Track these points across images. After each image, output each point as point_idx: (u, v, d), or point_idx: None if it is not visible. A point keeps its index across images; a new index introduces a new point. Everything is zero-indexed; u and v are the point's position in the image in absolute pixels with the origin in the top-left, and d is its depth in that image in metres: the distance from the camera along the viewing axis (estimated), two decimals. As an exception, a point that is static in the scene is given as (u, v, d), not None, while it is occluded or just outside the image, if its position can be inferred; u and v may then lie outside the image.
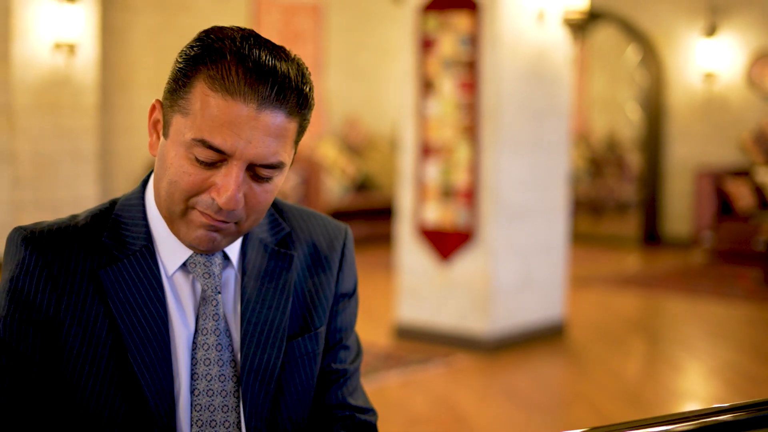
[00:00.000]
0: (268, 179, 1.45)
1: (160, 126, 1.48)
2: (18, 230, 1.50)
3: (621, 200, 14.31)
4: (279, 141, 1.42)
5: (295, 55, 1.45)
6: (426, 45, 6.36)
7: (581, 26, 6.57)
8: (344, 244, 1.70)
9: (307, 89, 1.44)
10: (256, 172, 1.43)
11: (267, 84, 1.39)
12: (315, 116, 12.02)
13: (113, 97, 9.88)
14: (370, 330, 6.79)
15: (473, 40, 6.17)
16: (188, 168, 1.41)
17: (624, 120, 15.30)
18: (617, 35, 12.92)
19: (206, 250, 1.48)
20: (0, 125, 8.56)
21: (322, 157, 11.12)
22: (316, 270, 1.64)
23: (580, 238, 11.69)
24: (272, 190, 1.46)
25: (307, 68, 1.45)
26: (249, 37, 1.42)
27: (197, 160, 1.41)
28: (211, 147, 1.39)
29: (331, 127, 12.19)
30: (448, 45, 6.26)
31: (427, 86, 6.37)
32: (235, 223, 1.46)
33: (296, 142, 1.48)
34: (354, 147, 11.98)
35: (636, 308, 8.15)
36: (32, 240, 1.49)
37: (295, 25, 11.84)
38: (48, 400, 1.48)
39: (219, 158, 1.40)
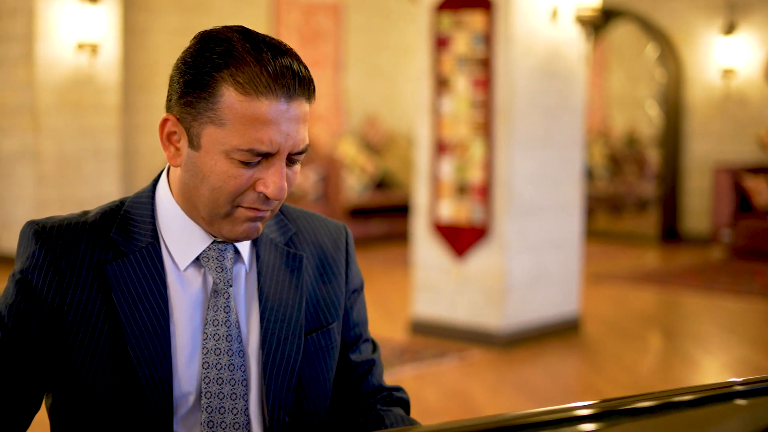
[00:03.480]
0: (297, 162, 1.55)
1: (178, 138, 1.54)
2: (30, 224, 1.58)
3: (640, 197, 14.31)
4: (305, 126, 1.52)
5: (287, 44, 1.54)
6: (440, 43, 6.43)
7: (595, 24, 6.62)
8: (347, 242, 1.78)
9: (309, 72, 1.53)
10: (290, 159, 1.53)
11: (288, 76, 1.47)
12: (334, 115, 12.11)
13: (135, 96, 10.00)
14: (386, 325, 6.87)
15: (487, 39, 6.23)
16: (233, 171, 1.49)
17: (643, 117, 15.28)
18: (636, 33, 12.93)
19: (249, 239, 1.57)
20: (24, 125, 8.70)
21: (341, 155, 11.20)
22: (324, 270, 1.72)
23: (598, 235, 11.72)
24: (299, 170, 1.56)
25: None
26: (248, 34, 1.51)
27: (242, 162, 1.48)
28: (258, 153, 1.48)
29: (351, 125, 12.27)
30: (463, 43, 6.33)
31: (441, 84, 6.45)
32: (271, 209, 1.56)
33: None
34: (373, 145, 12.05)
35: (652, 304, 8.19)
36: (43, 234, 1.56)
37: (314, 25, 11.92)
38: (40, 386, 1.56)
39: (262, 157, 1.49)
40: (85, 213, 1.63)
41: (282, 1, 11.51)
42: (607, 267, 9.68)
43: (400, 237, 10.57)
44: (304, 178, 10.60)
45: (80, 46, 8.57)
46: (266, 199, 1.52)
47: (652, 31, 11.54)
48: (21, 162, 8.75)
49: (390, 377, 5.57)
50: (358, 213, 11.03)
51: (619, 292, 8.48)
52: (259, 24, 10.80)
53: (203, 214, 1.55)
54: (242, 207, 1.52)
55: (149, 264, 1.58)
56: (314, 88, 1.54)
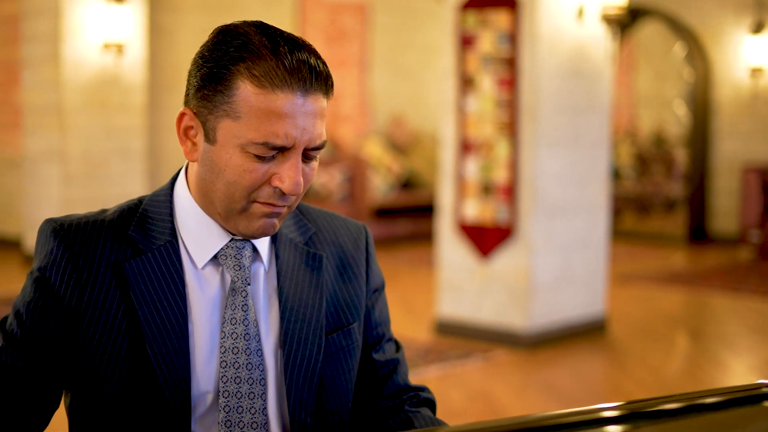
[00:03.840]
0: (314, 158, 1.53)
1: (195, 133, 1.54)
2: (49, 222, 1.58)
3: (668, 197, 14.21)
4: (322, 121, 1.50)
5: (304, 38, 1.52)
6: (466, 42, 6.40)
7: (621, 22, 6.57)
8: (367, 242, 1.77)
9: (327, 67, 1.52)
10: (306, 154, 1.51)
11: (305, 70, 1.46)
12: (360, 115, 12.11)
13: (161, 96, 10.03)
14: (411, 325, 6.85)
15: (512, 38, 6.20)
16: (249, 166, 1.47)
17: (671, 116, 15.19)
18: (664, 32, 12.85)
19: (266, 236, 1.56)
20: (51, 124, 8.74)
21: (367, 155, 11.19)
22: (344, 269, 1.71)
23: (625, 236, 11.65)
24: (316, 167, 1.55)
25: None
26: (266, 28, 1.50)
27: (257, 156, 1.47)
28: (273, 147, 1.46)
29: (377, 125, 12.26)
30: (488, 42, 6.30)
31: (466, 83, 6.42)
32: (288, 205, 1.54)
33: None
34: (399, 145, 12.04)
35: (679, 305, 8.12)
36: (61, 232, 1.56)
37: (340, 25, 11.92)
38: (59, 384, 1.55)
39: (278, 151, 1.48)
40: (104, 211, 1.63)
41: (308, 1, 11.51)
42: (634, 267, 9.61)
43: (426, 237, 10.55)
44: (330, 178, 10.60)
45: (106, 46, 8.60)
46: (282, 194, 1.50)
47: (680, 29, 11.46)
48: (47, 162, 8.80)
49: (414, 377, 5.54)
50: (384, 213, 11.02)
51: (646, 292, 8.42)
52: (284, 23, 10.81)
53: (219, 210, 1.54)
54: (258, 202, 1.51)
55: (167, 262, 1.57)
56: (332, 83, 1.53)
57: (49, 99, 8.71)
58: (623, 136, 14.91)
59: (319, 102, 1.50)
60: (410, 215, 11.24)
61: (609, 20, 6.44)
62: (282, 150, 1.48)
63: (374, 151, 11.49)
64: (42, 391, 1.53)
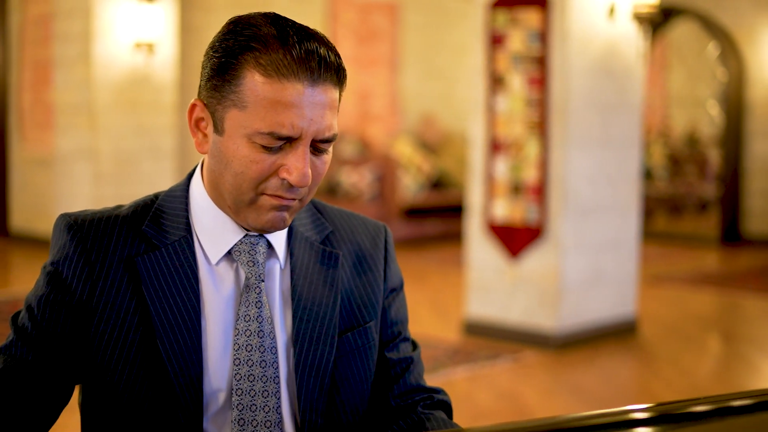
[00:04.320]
0: (325, 151, 1.50)
1: (206, 124, 1.52)
2: (63, 217, 1.58)
3: (701, 198, 14.09)
4: (332, 113, 1.48)
5: (318, 30, 1.50)
6: (495, 41, 6.37)
7: (653, 21, 6.51)
8: (386, 241, 1.74)
9: (341, 60, 1.49)
10: (316, 146, 1.48)
11: (313, 60, 1.44)
12: (390, 114, 12.10)
13: (191, 95, 10.07)
14: (439, 325, 6.82)
15: (543, 36, 6.16)
16: (255, 156, 1.45)
17: (704, 117, 15.07)
18: (697, 31, 12.75)
19: (277, 230, 1.53)
20: (82, 123, 8.80)
21: (397, 155, 11.17)
22: (362, 267, 1.68)
23: (657, 237, 11.56)
24: (328, 161, 1.52)
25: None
26: (277, 19, 1.47)
27: (263, 147, 1.45)
28: (279, 137, 1.44)
29: (407, 125, 12.24)
30: (518, 41, 6.26)
31: (496, 82, 6.38)
32: (299, 199, 1.51)
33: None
34: (429, 145, 12.02)
35: (711, 307, 8.04)
36: (74, 227, 1.56)
37: (371, 24, 11.92)
38: (70, 379, 1.54)
39: (284, 141, 1.46)
40: (119, 207, 1.62)
41: (338, 1, 11.51)
42: (665, 269, 9.53)
43: (456, 237, 10.52)
44: (360, 177, 10.60)
45: (137, 46, 8.64)
46: (290, 186, 1.48)
47: (714, 29, 11.36)
48: (79, 160, 8.85)
49: (442, 378, 5.52)
50: (414, 213, 11.00)
51: (678, 294, 8.34)
52: (315, 23, 10.81)
53: (229, 203, 1.53)
54: (266, 194, 1.49)
55: (181, 257, 1.56)
56: (344, 74, 1.50)
57: (80, 98, 8.76)
58: (656, 136, 14.80)
59: (329, 93, 1.47)
60: (440, 215, 11.21)
61: (640, 19, 6.38)
62: (289, 141, 1.46)
63: (404, 150, 11.47)
64: (52, 386, 1.52)
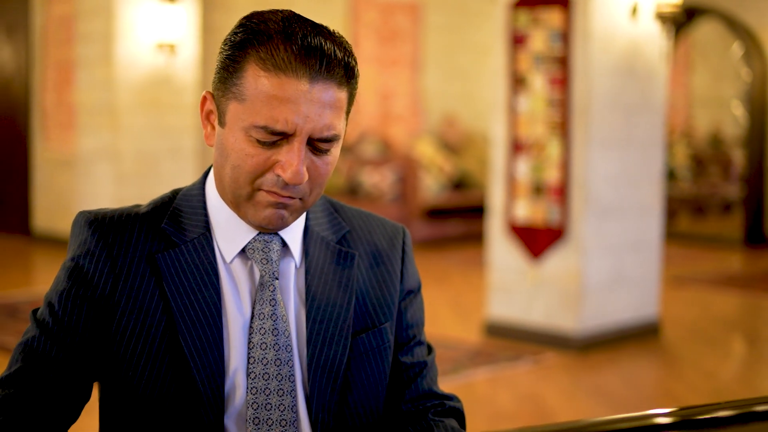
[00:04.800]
0: (326, 152, 1.49)
1: (214, 117, 1.53)
2: (83, 213, 1.57)
3: (724, 199, 13.98)
4: (333, 113, 1.46)
5: (335, 30, 1.49)
6: (517, 41, 6.34)
7: (676, 20, 6.46)
8: (404, 242, 1.72)
9: (353, 59, 1.47)
10: (315, 146, 1.47)
11: (316, 57, 1.43)
12: (412, 114, 12.09)
13: (213, 96, 10.08)
14: (460, 327, 6.80)
15: (564, 36, 6.12)
16: (250, 150, 1.45)
17: (728, 117, 14.97)
18: (721, 31, 12.66)
19: (275, 228, 1.52)
20: (103, 124, 8.83)
21: (419, 155, 11.15)
22: (378, 268, 1.67)
23: (681, 237, 11.48)
24: (332, 162, 1.51)
25: (347, 41, 1.49)
26: (290, 17, 1.46)
27: (258, 141, 1.45)
28: (273, 132, 1.44)
29: (429, 125, 12.22)
30: (539, 41, 6.23)
31: (518, 82, 6.35)
32: (300, 198, 1.50)
33: (347, 112, 1.52)
34: (451, 145, 11.99)
35: (735, 309, 7.98)
36: (95, 222, 1.55)
37: (392, 24, 11.90)
38: (91, 375, 1.53)
39: (280, 137, 1.45)
40: (137, 205, 1.62)
41: (360, 1, 11.51)
42: (689, 270, 9.47)
43: (478, 238, 10.48)
44: (382, 178, 10.58)
45: (159, 46, 8.66)
46: (285, 183, 1.46)
47: (738, 29, 11.27)
48: (100, 160, 8.88)
49: (463, 380, 5.50)
50: (436, 213, 10.97)
51: (701, 295, 8.28)
52: (336, 23, 10.81)
53: (230, 197, 1.53)
54: (263, 190, 1.48)
55: (200, 255, 1.56)
56: (352, 73, 1.48)
57: (102, 99, 8.79)
58: (679, 137, 14.71)
59: (331, 91, 1.45)
60: (462, 215, 11.18)
61: (663, 18, 6.33)
62: (285, 137, 1.45)
63: (426, 151, 11.45)
64: (73, 382, 1.51)
